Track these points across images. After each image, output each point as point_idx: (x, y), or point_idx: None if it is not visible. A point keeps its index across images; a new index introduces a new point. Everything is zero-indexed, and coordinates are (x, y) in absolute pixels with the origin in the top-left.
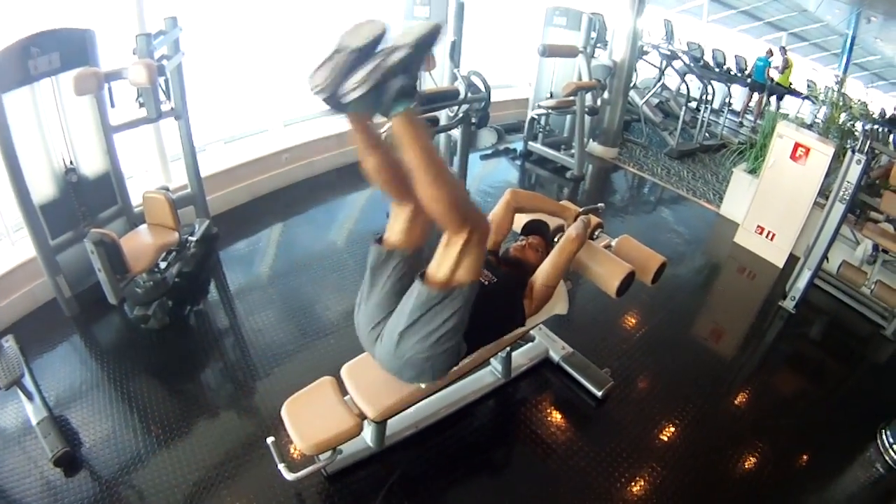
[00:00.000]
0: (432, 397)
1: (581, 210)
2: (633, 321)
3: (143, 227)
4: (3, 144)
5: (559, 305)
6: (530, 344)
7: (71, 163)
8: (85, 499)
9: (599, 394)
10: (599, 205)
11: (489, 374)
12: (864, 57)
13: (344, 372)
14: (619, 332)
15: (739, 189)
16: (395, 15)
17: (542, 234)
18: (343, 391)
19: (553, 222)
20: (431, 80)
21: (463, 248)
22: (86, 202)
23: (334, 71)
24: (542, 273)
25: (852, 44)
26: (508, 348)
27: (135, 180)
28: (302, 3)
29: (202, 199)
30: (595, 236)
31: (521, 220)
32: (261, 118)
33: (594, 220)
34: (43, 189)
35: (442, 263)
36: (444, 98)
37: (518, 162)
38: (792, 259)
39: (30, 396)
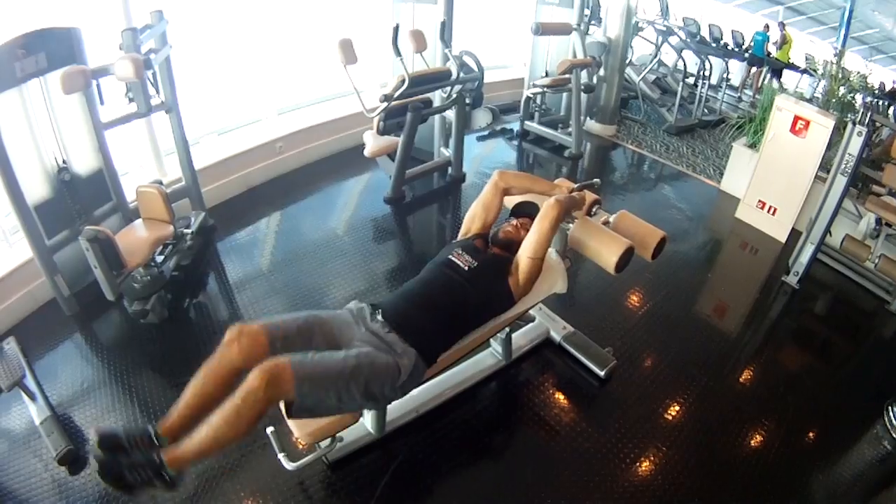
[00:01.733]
0: (433, 381)
1: (576, 186)
2: (636, 299)
3: (138, 221)
4: None
5: (558, 284)
6: (530, 324)
7: (63, 161)
8: (90, 495)
9: (602, 373)
10: (595, 180)
11: (490, 357)
12: (863, 30)
13: None
14: (622, 311)
15: (739, 164)
16: None
17: (531, 216)
18: None
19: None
20: (423, 62)
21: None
22: (80, 200)
23: None
24: (526, 244)
25: (850, 17)
26: (508, 329)
27: (130, 176)
28: None
29: (197, 192)
30: (593, 213)
31: (511, 202)
32: (254, 108)
33: (591, 196)
34: (36, 189)
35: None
36: (437, 79)
37: (515, 142)
38: (794, 234)
39: (32, 397)
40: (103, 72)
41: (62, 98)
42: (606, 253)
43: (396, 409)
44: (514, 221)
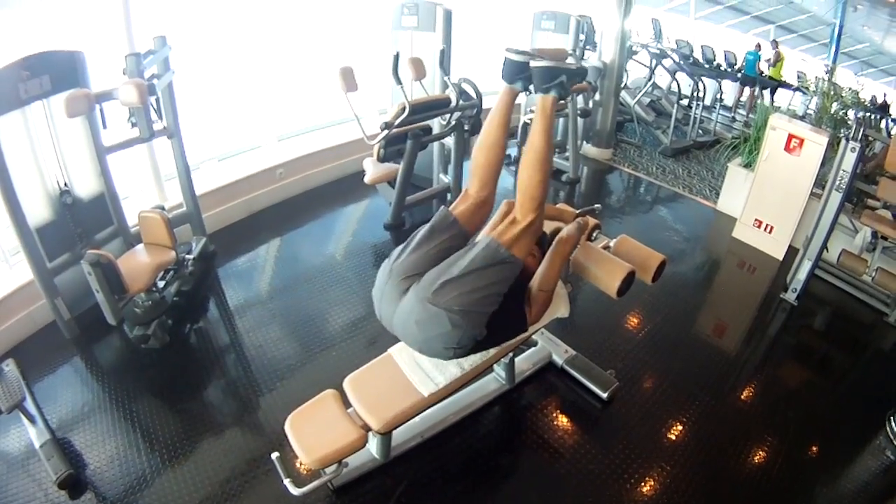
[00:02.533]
0: (437, 406)
1: (578, 212)
2: (636, 321)
3: (140, 246)
4: None
5: (561, 309)
6: (533, 349)
7: (65, 185)
8: None
9: (605, 395)
10: (596, 206)
11: (493, 381)
12: (853, 46)
13: (347, 384)
14: (622, 333)
15: (735, 184)
16: (383, 26)
17: (538, 243)
18: (346, 403)
19: (551, 227)
20: (422, 89)
21: (526, 228)
22: (82, 223)
23: (529, 52)
24: (538, 278)
25: (840, 33)
26: (511, 354)
27: (130, 200)
28: (292, 19)
29: (198, 217)
30: (593, 237)
31: None
32: (254, 134)
33: (592, 221)
34: (38, 212)
35: (508, 232)
36: (436, 106)
37: (513, 168)
38: (791, 251)
39: (32, 420)
40: (107, 96)
41: (65, 121)
42: (608, 278)
43: (401, 434)
44: None
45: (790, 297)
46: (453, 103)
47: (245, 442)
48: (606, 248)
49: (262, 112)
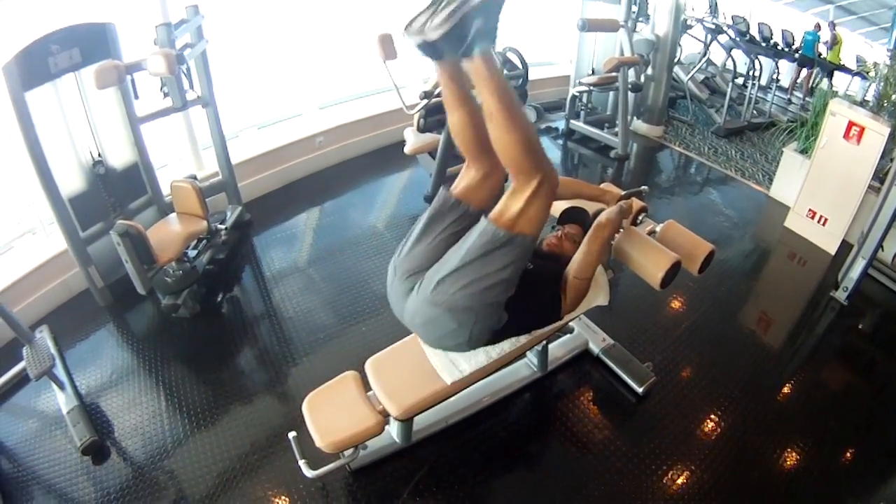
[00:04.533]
0: (465, 391)
1: (623, 194)
2: (679, 310)
3: (172, 216)
4: (29, 141)
5: (600, 296)
6: (569, 335)
7: (98, 155)
8: (112, 486)
9: (640, 390)
10: (643, 187)
11: (525, 367)
12: None
13: (368, 366)
14: (663, 322)
15: (790, 170)
16: None
17: (580, 222)
18: (367, 386)
19: (593, 208)
20: None
21: (531, 197)
22: (115, 193)
23: (427, 17)
24: (575, 264)
25: None
26: (545, 340)
27: (168, 169)
28: None
29: (234, 186)
30: (639, 221)
31: (558, 207)
32: (295, 102)
33: (637, 204)
34: (71, 182)
35: (508, 208)
36: None
37: (560, 141)
38: (845, 246)
39: (61, 386)
40: (136, 67)
41: (97, 92)
42: (652, 267)
43: (424, 418)
44: (559, 232)
45: (840, 295)
46: None
47: (267, 416)
48: (652, 232)
49: (304, 80)
